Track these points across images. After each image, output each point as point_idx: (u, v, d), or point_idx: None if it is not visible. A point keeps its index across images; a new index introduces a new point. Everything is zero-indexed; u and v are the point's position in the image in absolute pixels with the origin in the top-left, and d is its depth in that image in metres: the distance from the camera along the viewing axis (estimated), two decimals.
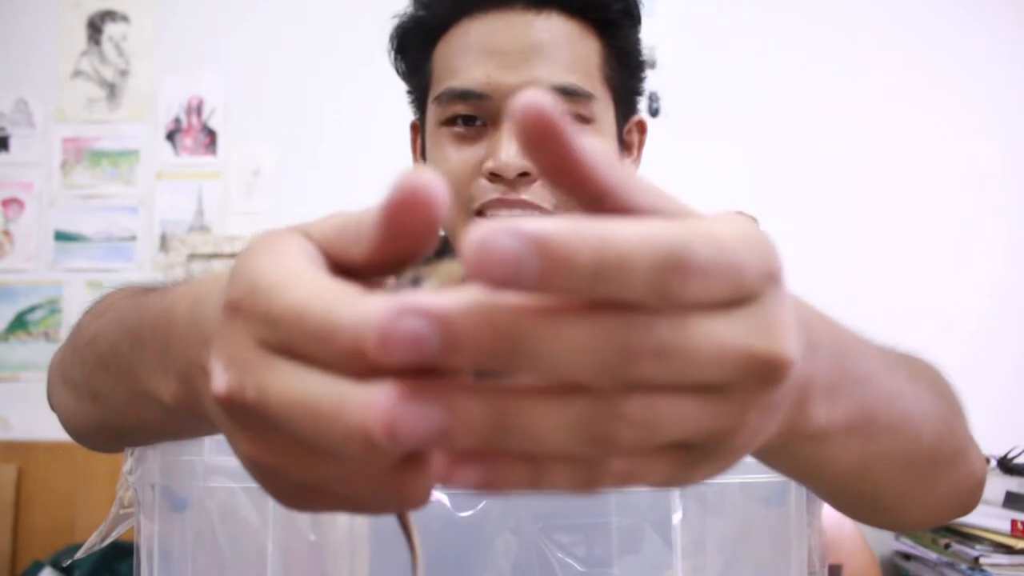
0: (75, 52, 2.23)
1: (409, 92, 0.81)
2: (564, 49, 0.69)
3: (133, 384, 0.40)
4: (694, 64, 2.19)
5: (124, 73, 2.23)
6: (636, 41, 0.75)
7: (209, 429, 0.40)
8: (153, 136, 2.21)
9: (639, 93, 0.77)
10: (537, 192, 0.68)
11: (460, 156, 0.70)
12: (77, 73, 2.23)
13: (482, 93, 0.69)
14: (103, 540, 0.56)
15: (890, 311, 2.13)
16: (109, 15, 2.24)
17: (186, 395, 0.35)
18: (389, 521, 0.52)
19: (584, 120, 0.70)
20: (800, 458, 0.37)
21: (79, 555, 0.54)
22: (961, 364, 2.20)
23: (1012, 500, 1.80)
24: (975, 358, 2.11)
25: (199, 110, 2.21)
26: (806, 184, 2.17)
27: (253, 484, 0.47)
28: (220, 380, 0.26)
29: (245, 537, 0.48)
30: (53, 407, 0.58)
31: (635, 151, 0.80)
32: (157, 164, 2.20)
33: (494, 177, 0.68)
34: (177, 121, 2.21)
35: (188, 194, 2.18)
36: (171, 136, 2.21)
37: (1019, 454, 1.82)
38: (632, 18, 0.74)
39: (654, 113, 2.18)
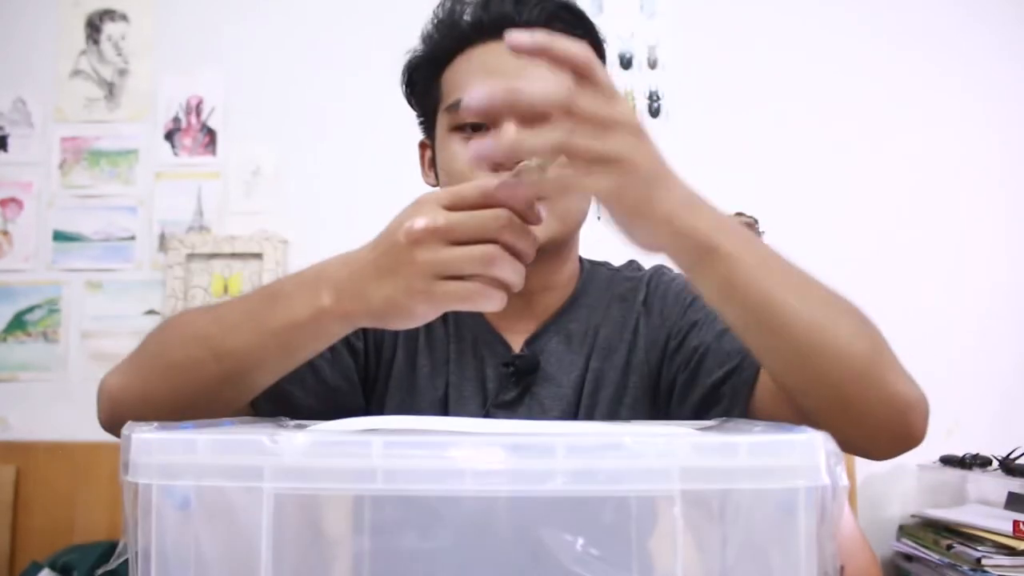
0: (74, 51, 2.23)
1: (418, 115, 0.94)
2: (549, 69, 0.79)
3: (268, 325, 0.66)
4: (694, 64, 2.19)
5: (123, 72, 2.23)
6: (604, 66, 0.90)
7: (332, 331, 0.67)
8: (152, 136, 2.20)
9: None
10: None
11: (468, 154, 0.82)
12: (76, 72, 2.23)
13: None
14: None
15: (890, 311, 2.13)
16: (108, 14, 2.24)
17: (337, 300, 0.63)
18: (387, 522, 0.52)
19: None
20: (717, 275, 0.64)
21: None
22: (961, 364, 2.20)
23: (1014, 501, 1.80)
24: (975, 358, 2.11)
25: (198, 110, 2.20)
26: (806, 184, 2.17)
27: (252, 484, 0.47)
28: (420, 221, 0.59)
29: (243, 537, 0.48)
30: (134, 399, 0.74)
31: None
32: (156, 164, 2.20)
33: (497, 166, 0.78)
34: (176, 121, 2.21)
35: (187, 194, 2.18)
36: (170, 136, 2.20)
37: (1020, 455, 1.81)
38: (598, 49, 0.90)
39: (654, 113, 2.18)
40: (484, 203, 0.61)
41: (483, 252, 0.60)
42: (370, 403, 0.89)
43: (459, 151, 0.84)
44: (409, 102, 0.95)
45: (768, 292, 0.65)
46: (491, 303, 0.61)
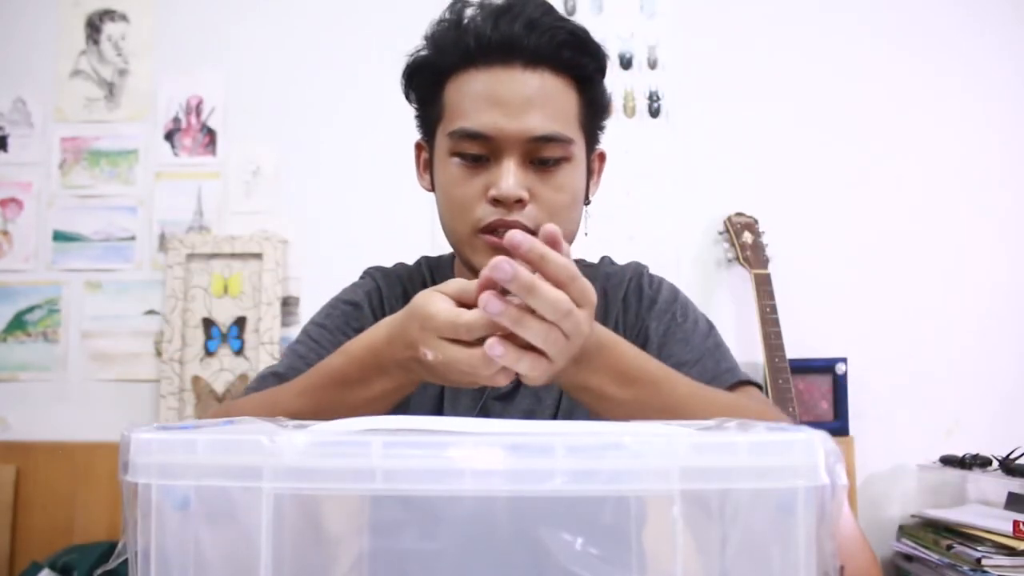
0: (74, 51, 2.23)
1: (417, 117, 0.95)
2: (551, 102, 0.85)
3: (350, 399, 0.73)
4: (694, 64, 2.19)
5: (123, 72, 2.23)
6: (604, 91, 0.93)
7: (404, 389, 0.74)
8: (152, 136, 2.20)
9: (602, 130, 0.96)
10: (527, 215, 0.85)
11: (468, 184, 0.86)
12: (76, 72, 2.23)
13: (488, 136, 0.84)
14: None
15: (891, 311, 2.13)
16: (108, 14, 2.24)
17: (402, 375, 0.70)
18: (387, 522, 0.52)
19: (565, 160, 0.87)
20: (596, 395, 0.72)
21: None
22: (961, 364, 2.20)
23: (1014, 501, 1.80)
24: (975, 358, 2.11)
25: (198, 110, 2.20)
26: (806, 184, 2.17)
27: (251, 484, 0.47)
28: (429, 355, 0.64)
29: (243, 537, 0.48)
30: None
31: (596, 175, 0.98)
32: (156, 164, 2.20)
33: (496, 202, 0.85)
34: (176, 121, 2.20)
35: (187, 194, 2.18)
36: (170, 136, 2.20)
37: (1020, 455, 1.81)
38: (602, 73, 0.92)
39: (654, 113, 2.18)
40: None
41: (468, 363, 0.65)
42: None
43: (460, 180, 0.86)
44: (407, 98, 0.95)
45: (654, 379, 0.75)
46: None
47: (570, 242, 0.92)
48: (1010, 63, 2.20)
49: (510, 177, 0.83)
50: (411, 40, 0.92)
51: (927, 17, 2.21)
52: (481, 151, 0.85)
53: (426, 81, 0.90)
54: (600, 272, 1.00)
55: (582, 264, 1.02)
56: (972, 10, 2.21)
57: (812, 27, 2.21)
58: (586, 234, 0.95)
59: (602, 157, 0.99)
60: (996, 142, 2.19)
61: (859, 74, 2.19)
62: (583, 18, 2.18)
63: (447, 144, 0.87)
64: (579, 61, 0.87)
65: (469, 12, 0.87)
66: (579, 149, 0.89)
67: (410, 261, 1.07)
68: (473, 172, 0.86)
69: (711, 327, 0.94)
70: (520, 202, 0.84)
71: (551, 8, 0.88)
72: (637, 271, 1.00)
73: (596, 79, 0.90)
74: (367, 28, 2.18)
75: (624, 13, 2.21)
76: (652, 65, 2.20)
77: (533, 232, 0.84)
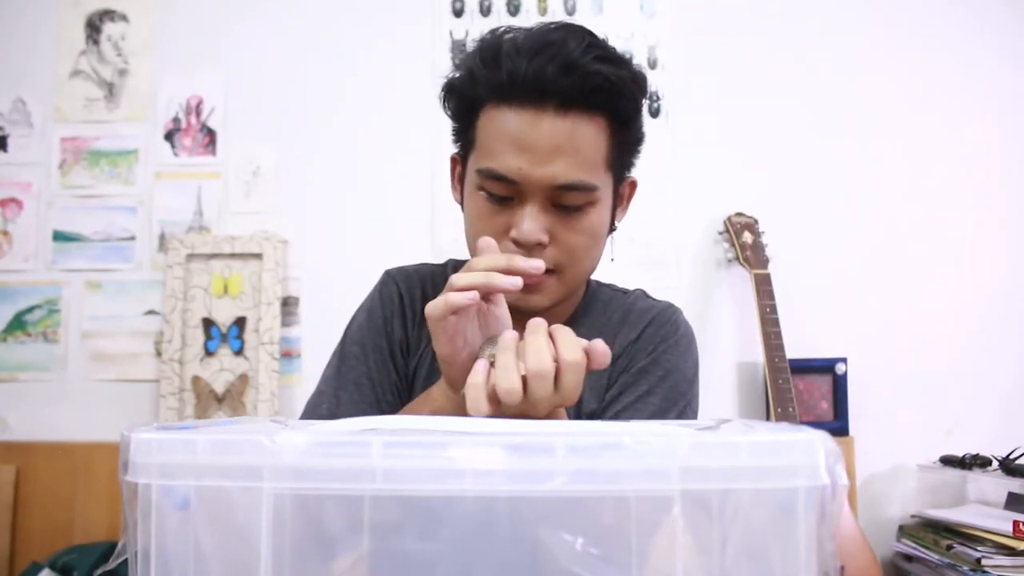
0: (74, 52, 2.23)
1: (453, 133, 0.95)
2: (580, 149, 0.85)
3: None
4: (694, 64, 2.19)
5: (123, 73, 2.23)
6: (640, 126, 0.92)
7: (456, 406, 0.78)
8: (152, 136, 2.20)
9: (636, 157, 0.95)
10: (547, 256, 0.88)
11: (492, 221, 0.88)
12: (76, 73, 2.23)
13: (514, 180, 0.86)
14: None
15: (890, 312, 2.13)
16: (108, 14, 2.23)
17: (444, 398, 0.78)
18: (387, 522, 0.52)
19: (589, 204, 0.88)
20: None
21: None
22: (961, 364, 2.20)
23: (1014, 501, 1.80)
24: (975, 358, 2.11)
25: (198, 110, 2.20)
26: (806, 184, 2.17)
27: (251, 484, 0.47)
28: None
29: (243, 537, 0.48)
30: None
31: (625, 202, 0.99)
32: (156, 164, 2.20)
33: (516, 242, 0.88)
34: (176, 121, 2.20)
35: (187, 194, 2.18)
36: (170, 136, 2.20)
37: (1020, 455, 1.81)
38: (638, 110, 0.90)
39: (654, 113, 2.18)
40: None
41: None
42: None
43: (486, 216, 0.89)
44: (445, 112, 0.94)
45: None
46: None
47: (589, 275, 0.95)
48: (1010, 63, 2.20)
49: (531, 221, 0.85)
50: (411, 42, 0.92)
51: (927, 17, 2.21)
52: (506, 193, 0.87)
53: (462, 105, 0.91)
54: (626, 303, 1.02)
55: (611, 288, 1.04)
56: (972, 10, 2.21)
57: (812, 27, 2.21)
58: (612, 259, 0.97)
59: (633, 185, 0.99)
60: (996, 142, 2.19)
61: (859, 74, 2.19)
62: (583, 18, 2.18)
63: (476, 179, 0.88)
64: (614, 105, 0.86)
65: (509, 39, 0.85)
66: (604, 191, 0.89)
67: (412, 261, 1.08)
68: (497, 210, 0.88)
69: (676, 408, 0.95)
70: (539, 244, 0.87)
71: (594, 42, 0.85)
72: (663, 316, 1.00)
73: (631, 116, 0.89)
74: (367, 28, 2.18)
75: (624, 13, 2.21)
76: (652, 65, 2.20)
77: (551, 271, 0.88)
